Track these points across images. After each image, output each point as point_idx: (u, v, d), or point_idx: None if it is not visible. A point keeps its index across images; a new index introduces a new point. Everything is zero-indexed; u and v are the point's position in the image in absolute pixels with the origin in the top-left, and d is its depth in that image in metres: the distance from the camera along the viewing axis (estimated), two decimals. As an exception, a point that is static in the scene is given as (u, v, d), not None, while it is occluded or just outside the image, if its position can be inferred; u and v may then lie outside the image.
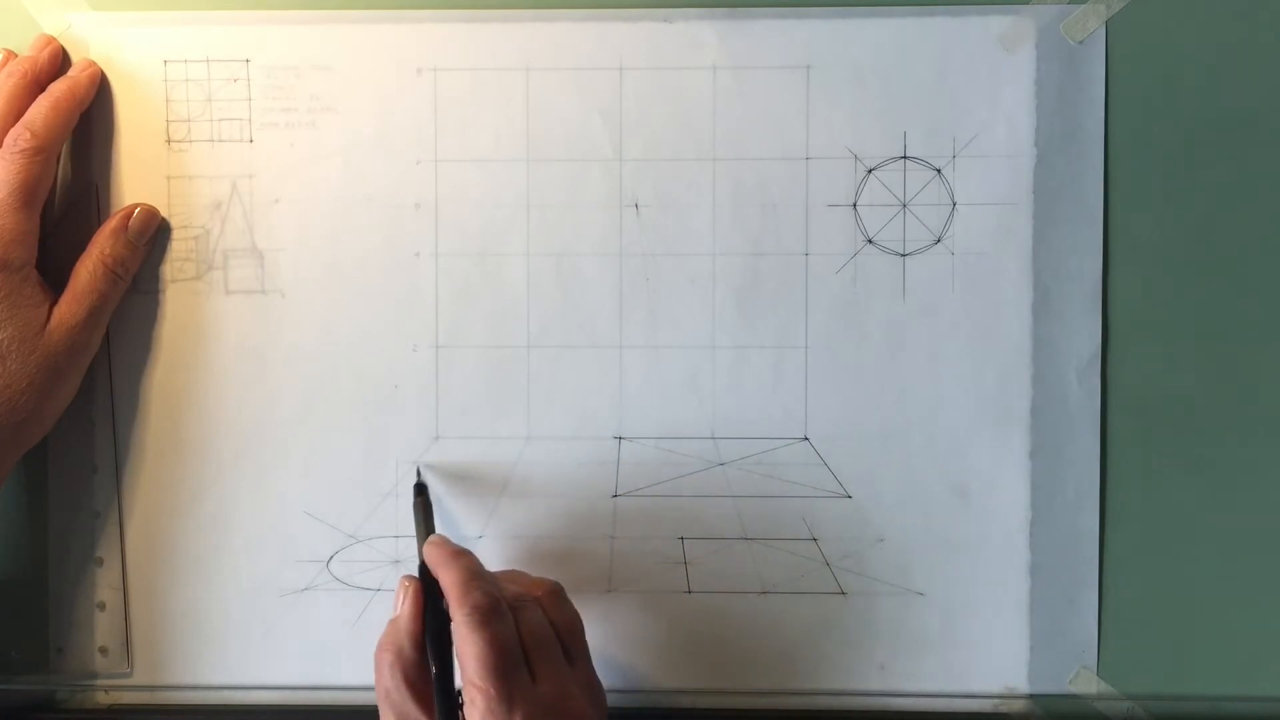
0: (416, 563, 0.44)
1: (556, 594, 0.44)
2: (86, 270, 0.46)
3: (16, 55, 0.47)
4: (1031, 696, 0.49)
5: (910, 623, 0.49)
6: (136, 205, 0.48)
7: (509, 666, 0.39)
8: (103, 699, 0.49)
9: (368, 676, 0.49)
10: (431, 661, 0.41)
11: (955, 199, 0.48)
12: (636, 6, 0.48)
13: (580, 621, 0.44)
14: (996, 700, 0.49)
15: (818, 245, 0.48)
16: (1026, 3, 0.48)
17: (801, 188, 0.48)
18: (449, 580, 0.41)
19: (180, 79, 0.48)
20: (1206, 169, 0.48)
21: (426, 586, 0.43)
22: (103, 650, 0.49)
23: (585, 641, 0.43)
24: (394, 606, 0.43)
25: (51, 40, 0.48)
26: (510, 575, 0.45)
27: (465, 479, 0.49)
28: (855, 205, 0.48)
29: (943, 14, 0.48)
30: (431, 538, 0.44)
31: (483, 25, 0.48)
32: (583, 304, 0.49)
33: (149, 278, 0.49)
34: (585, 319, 0.49)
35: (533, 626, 0.41)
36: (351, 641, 0.49)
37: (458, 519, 0.49)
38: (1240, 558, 0.48)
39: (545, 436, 0.49)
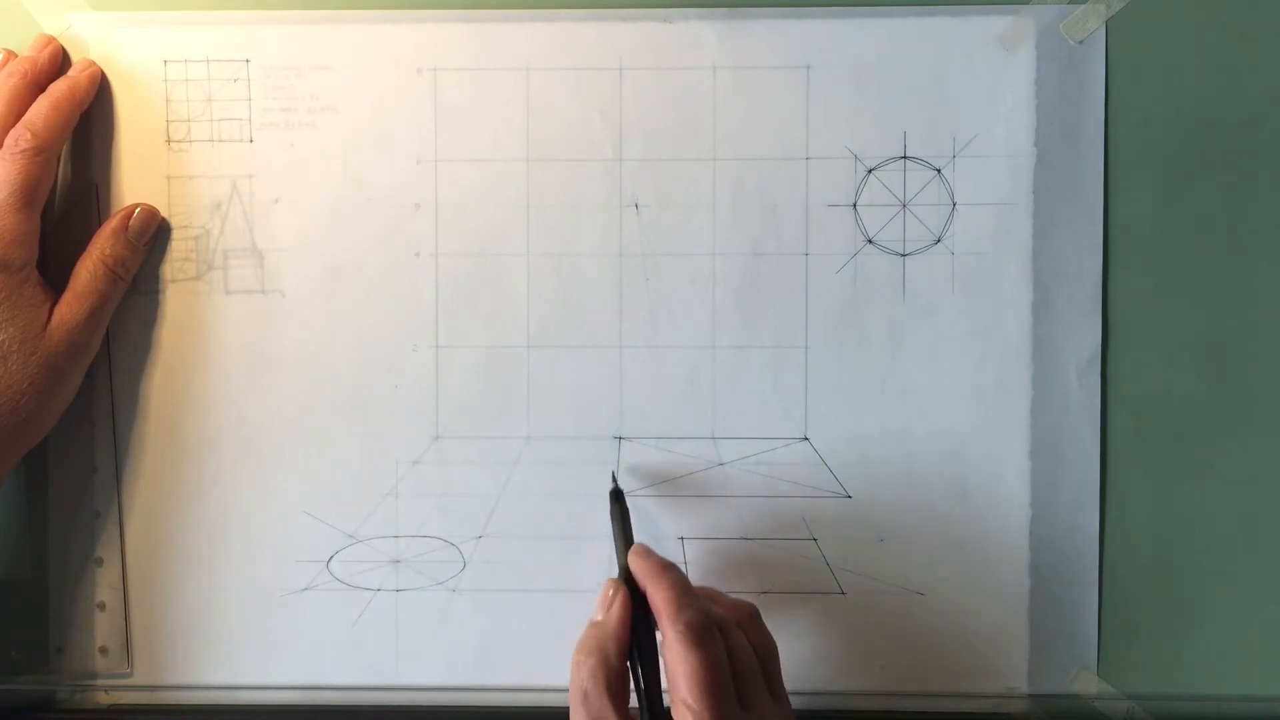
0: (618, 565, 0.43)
1: (756, 618, 0.43)
2: (87, 270, 0.46)
3: (16, 55, 0.47)
4: (1031, 696, 0.49)
5: (910, 623, 0.49)
6: (137, 205, 0.48)
7: (722, 689, 0.38)
8: (103, 699, 0.49)
9: (367, 676, 0.49)
10: (641, 675, 0.40)
11: (955, 199, 0.48)
12: (636, 6, 0.48)
13: (776, 648, 0.43)
14: (996, 700, 0.49)
15: (818, 245, 0.48)
16: (1026, 3, 0.48)
17: (801, 188, 0.48)
18: (661, 595, 0.40)
19: (180, 79, 0.48)
20: (1206, 169, 0.48)
21: (633, 595, 0.42)
22: (103, 650, 0.49)
23: (780, 669, 0.43)
24: (597, 609, 0.42)
25: (51, 40, 0.48)
26: (709, 593, 0.45)
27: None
28: (855, 205, 0.48)
29: (943, 14, 0.48)
30: (635, 547, 0.43)
31: (483, 25, 0.48)
32: (583, 304, 0.49)
33: (149, 278, 0.49)
34: (585, 319, 0.49)
35: (740, 653, 0.40)
36: (351, 641, 0.49)
37: (458, 518, 0.49)
38: (1240, 558, 0.48)
39: (545, 436, 0.49)
